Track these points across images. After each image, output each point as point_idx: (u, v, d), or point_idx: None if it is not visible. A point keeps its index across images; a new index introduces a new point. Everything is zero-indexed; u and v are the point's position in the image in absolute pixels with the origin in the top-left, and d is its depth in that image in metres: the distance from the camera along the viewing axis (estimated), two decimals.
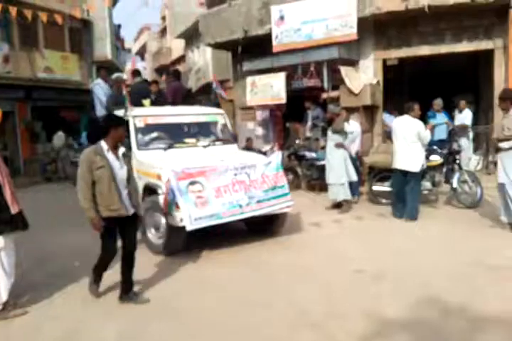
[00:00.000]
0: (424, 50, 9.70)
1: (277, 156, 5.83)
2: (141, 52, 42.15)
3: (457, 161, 7.35)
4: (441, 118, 9.09)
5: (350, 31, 9.44)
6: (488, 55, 9.40)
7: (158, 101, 7.58)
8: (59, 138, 14.02)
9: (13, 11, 11.25)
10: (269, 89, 10.82)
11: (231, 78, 14.61)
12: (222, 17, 11.78)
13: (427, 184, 7.27)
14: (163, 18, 34.59)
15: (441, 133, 9.02)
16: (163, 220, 5.27)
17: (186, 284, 4.45)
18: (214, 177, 5.16)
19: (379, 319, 3.53)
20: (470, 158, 8.82)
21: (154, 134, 6.23)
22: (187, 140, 6.40)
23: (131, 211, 3.99)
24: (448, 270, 4.51)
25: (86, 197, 3.73)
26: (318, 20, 9.81)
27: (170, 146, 6.09)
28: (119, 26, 22.55)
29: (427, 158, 7.24)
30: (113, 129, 3.84)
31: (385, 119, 10.53)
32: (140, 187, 5.50)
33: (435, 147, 7.77)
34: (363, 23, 9.48)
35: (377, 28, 9.97)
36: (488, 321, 3.43)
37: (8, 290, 3.85)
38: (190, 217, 4.89)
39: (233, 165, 5.37)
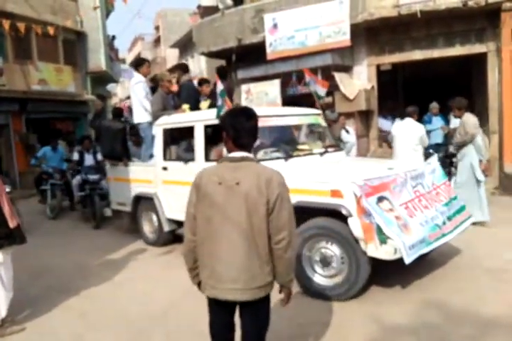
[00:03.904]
0: (417, 55, 9.74)
1: (436, 161, 4.87)
2: None
3: (454, 164, 7.37)
4: (437, 121, 9.11)
5: (344, 38, 9.48)
6: (481, 59, 9.45)
7: (213, 104, 6.40)
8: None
9: (6, 24, 11.25)
10: (263, 96, 10.84)
11: None
12: (216, 26, 11.82)
13: None
14: (157, 28, 34.75)
15: (438, 137, 9.04)
16: (337, 252, 3.97)
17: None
18: (397, 190, 4.07)
19: (384, 325, 3.50)
20: None
21: (265, 140, 5.09)
22: (300, 146, 5.36)
23: None
24: (449, 273, 4.50)
25: None
26: (312, 27, 9.85)
27: (290, 155, 4.96)
28: (113, 37, 22.57)
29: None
30: None
31: (380, 124, 10.55)
32: None
33: (431, 150, 7.78)
34: (355, 29, 9.53)
35: (370, 34, 10.03)
36: (493, 325, 3.41)
37: (8, 305, 3.80)
38: (405, 245, 3.65)
39: (410, 175, 4.33)
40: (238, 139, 2.31)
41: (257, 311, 2.36)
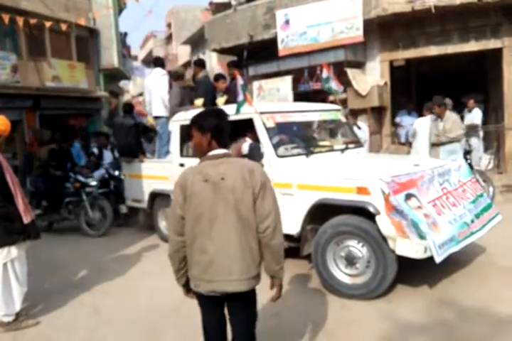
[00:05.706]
0: (431, 51, 9.61)
1: (463, 158, 4.81)
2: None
3: (468, 161, 7.28)
4: None
5: (357, 34, 9.40)
6: (496, 54, 9.31)
7: (229, 100, 6.31)
8: None
9: (20, 21, 11.35)
10: (275, 92, 10.81)
11: None
12: (228, 22, 11.80)
13: None
14: (169, 25, 34.82)
15: None
16: (365, 254, 3.88)
17: None
18: (424, 187, 3.98)
19: (396, 322, 3.48)
20: (481, 158, 8.71)
21: (285, 136, 5.03)
22: (321, 143, 5.31)
23: None
24: (463, 271, 4.46)
25: None
26: (324, 23, 9.78)
27: (311, 151, 4.90)
28: (125, 34, 22.65)
29: None
30: None
31: (400, 120, 10.28)
32: (303, 208, 4.22)
33: None
34: (368, 25, 9.43)
35: (383, 30, 9.92)
36: (507, 324, 3.37)
37: (21, 300, 3.84)
38: (435, 244, 3.58)
39: (437, 171, 4.24)
40: (223, 138, 2.41)
41: (247, 304, 2.43)
